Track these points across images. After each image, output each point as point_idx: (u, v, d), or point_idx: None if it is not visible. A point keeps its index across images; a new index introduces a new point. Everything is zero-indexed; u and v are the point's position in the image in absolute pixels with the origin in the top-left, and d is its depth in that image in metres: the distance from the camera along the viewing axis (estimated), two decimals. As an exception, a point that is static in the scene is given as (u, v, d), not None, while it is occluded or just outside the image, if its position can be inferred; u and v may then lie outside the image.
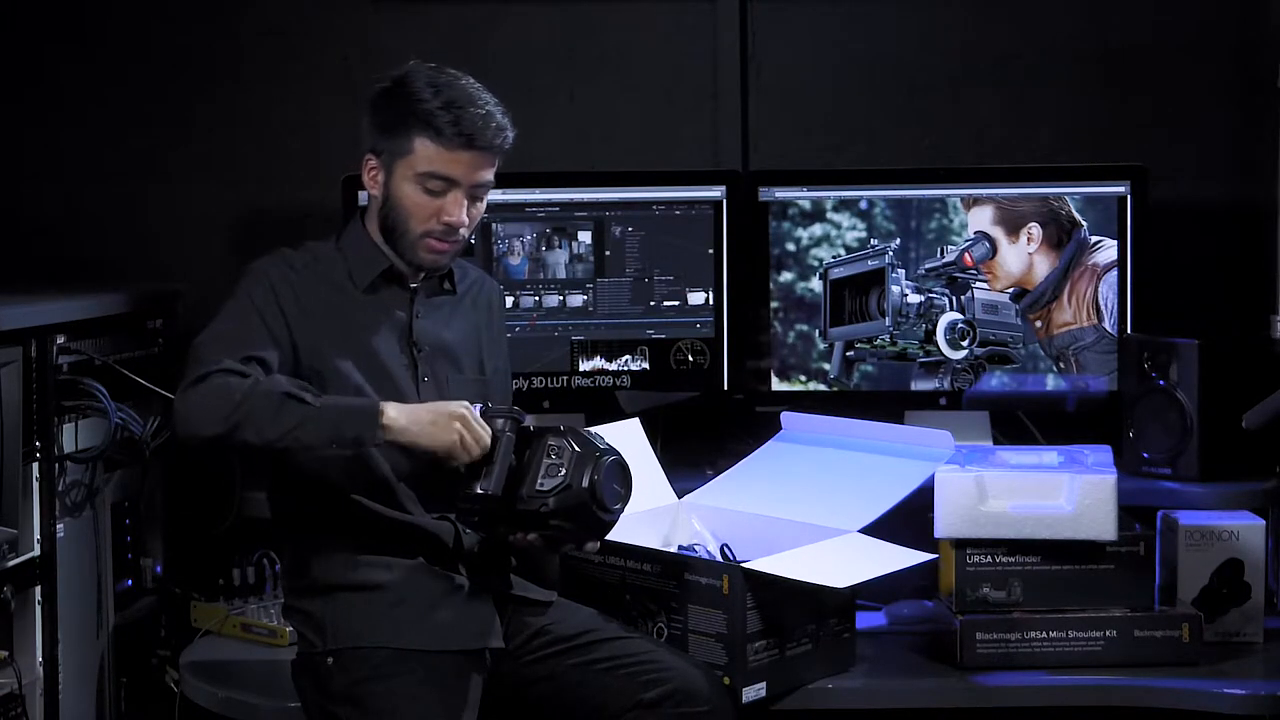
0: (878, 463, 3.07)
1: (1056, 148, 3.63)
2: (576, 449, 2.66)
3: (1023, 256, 3.38)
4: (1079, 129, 3.65)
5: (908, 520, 2.95)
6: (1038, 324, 3.39)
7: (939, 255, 3.39)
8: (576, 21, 3.69)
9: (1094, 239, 3.37)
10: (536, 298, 3.42)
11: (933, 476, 2.94)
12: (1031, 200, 3.38)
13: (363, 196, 2.98)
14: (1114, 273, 3.37)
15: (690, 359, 3.44)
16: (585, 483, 2.64)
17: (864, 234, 3.40)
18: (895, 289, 3.39)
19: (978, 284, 3.39)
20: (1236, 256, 3.59)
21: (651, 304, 3.43)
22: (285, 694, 2.82)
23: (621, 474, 2.69)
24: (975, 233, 3.39)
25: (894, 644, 3.08)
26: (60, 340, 2.95)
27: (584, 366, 3.44)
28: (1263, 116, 3.44)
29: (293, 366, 2.73)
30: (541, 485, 2.65)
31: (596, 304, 3.43)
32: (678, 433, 3.40)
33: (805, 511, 2.99)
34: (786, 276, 3.42)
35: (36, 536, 2.92)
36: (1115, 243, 3.37)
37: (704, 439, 3.48)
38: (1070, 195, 3.37)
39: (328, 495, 2.75)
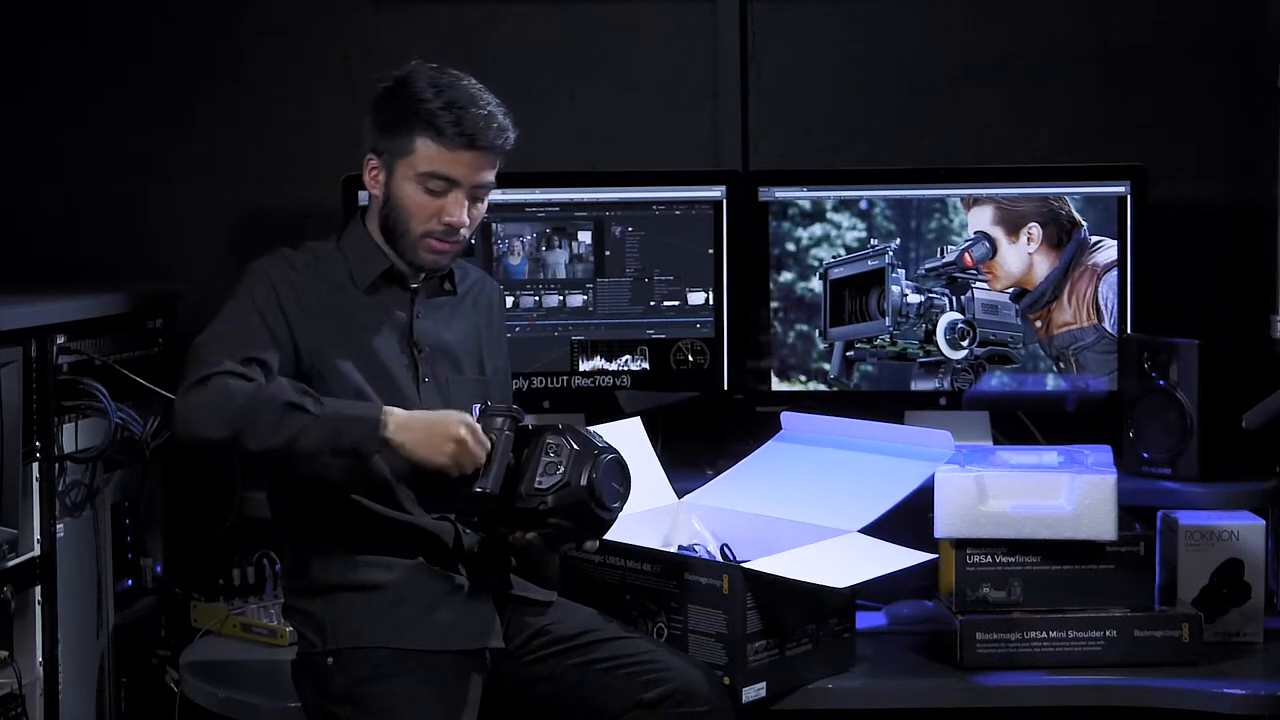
0: (878, 463, 3.07)
1: (1056, 148, 3.63)
2: (575, 447, 2.66)
3: (1023, 256, 3.38)
4: (1079, 129, 3.65)
5: (908, 520, 2.95)
6: (1038, 324, 3.39)
7: (939, 255, 3.39)
8: (576, 21, 3.69)
9: (1094, 239, 3.37)
10: (536, 298, 3.42)
11: (933, 476, 2.94)
12: (1031, 200, 3.38)
13: (363, 196, 2.98)
14: (1114, 273, 3.37)
15: (690, 359, 3.44)
16: (584, 481, 2.64)
17: (864, 234, 3.40)
18: (895, 289, 3.39)
19: (978, 284, 3.39)
20: (1236, 256, 3.59)
21: (651, 304, 3.43)
22: (285, 694, 2.81)
23: (620, 472, 2.69)
24: (975, 233, 3.39)
25: (894, 644, 3.08)
26: (60, 340, 2.95)
27: (584, 366, 3.44)
28: (1263, 116, 3.44)
29: (293, 366, 2.73)
30: (540, 483, 2.65)
31: (596, 304, 3.43)
32: (678, 433, 3.40)
33: (805, 511, 2.99)
34: (786, 276, 3.42)
35: (36, 536, 2.92)
36: (1115, 243, 3.37)
37: (704, 439, 3.48)
38: (1070, 195, 3.37)
39: (328, 495, 2.75)
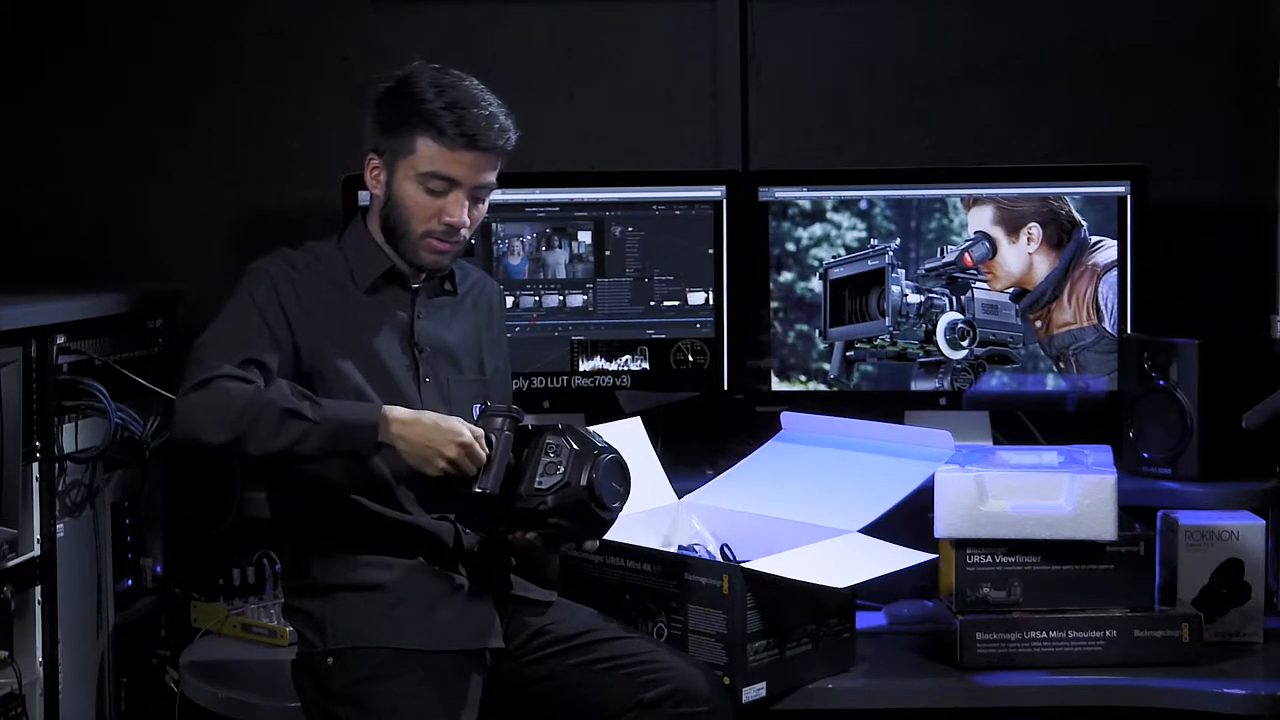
0: (878, 463, 3.07)
1: (1056, 148, 3.63)
2: (575, 447, 2.66)
3: (1023, 256, 3.38)
4: (1079, 129, 3.65)
5: (908, 520, 2.95)
6: (1038, 324, 3.39)
7: (939, 255, 3.39)
8: (576, 21, 3.69)
9: (1094, 239, 3.37)
10: (536, 298, 3.42)
11: (933, 476, 2.94)
12: (1031, 200, 3.38)
13: (363, 196, 2.98)
14: (1114, 273, 3.37)
15: (690, 359, 3.44)
16: (584, 481, 2.64)
17: (864, 234, 3.40)
18: (895, 289, 3.39)
19: (978, 284, 3.39)
20: (1236, 256, 3.59)
21: (651, 304, 3.43)
22: (285, 694, 2.81)
23: (620, 472, 2.69)
24: (975, 233, 3.39)
25: (894, 644, 3.08)
26: (60, 340, 2.95)
27: (584, 366, 3.44)
28: (1263, 116, 3.44)
29: (294, 366, 2.73)
30: (540, 483, 2.65)
31: (596, 304, 3.43)
32: (678, 433, 3.40)
33: (805, 511, 2.99)
34: (786, 276, 3.42)
35: (36, 536, 2.92)
36: (1115, 243, 3.37)
37: (704, 439, 3.48)
38: (1070, 195, 3.37)
39: (328, 495, 2.75)
